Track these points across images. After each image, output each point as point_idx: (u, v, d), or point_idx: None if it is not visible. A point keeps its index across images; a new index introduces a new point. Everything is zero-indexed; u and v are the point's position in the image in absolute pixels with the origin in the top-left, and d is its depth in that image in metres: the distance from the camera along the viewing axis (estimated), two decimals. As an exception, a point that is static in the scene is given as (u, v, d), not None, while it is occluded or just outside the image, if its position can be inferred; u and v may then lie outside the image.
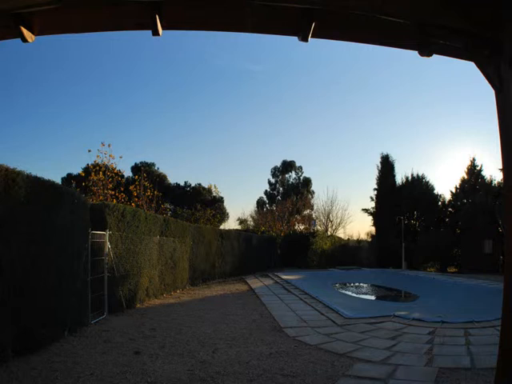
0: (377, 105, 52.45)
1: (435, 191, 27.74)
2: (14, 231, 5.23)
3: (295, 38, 3.60)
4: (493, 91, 3.45)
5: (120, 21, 3.47)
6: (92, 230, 7.87)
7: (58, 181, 25.18)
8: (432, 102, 48.67)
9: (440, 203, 27.59)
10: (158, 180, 29.49)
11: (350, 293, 15.81)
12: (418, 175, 28.18)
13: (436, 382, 4.43)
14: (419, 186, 27.52)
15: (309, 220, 35.69)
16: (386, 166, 28.53)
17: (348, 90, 53.04)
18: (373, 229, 30.36)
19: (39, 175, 5.98)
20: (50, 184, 6.38)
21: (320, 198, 59.22)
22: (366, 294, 16.26)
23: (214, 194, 41.39)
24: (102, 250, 8.38)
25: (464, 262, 23.89)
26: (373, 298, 15.25)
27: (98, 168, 16.23)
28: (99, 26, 3.55)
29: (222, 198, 41.76)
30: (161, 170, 41.43)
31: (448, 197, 27.23)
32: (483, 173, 25.56)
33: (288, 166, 49.91)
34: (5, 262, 4.99)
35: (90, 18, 3.43)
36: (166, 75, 51.17)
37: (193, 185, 42.63)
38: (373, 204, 29.22)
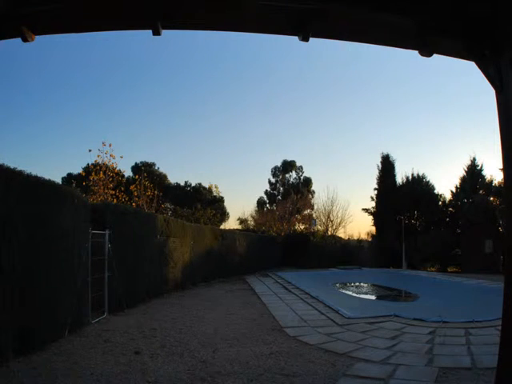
0: (377, 104, 52.43)
1: (435, 191, 27.79)
2: (14, 231, 5.23)
3: (294, 37, 3.60)
4: (493, 91, 3.45)
5: (121, 21, 3.48)
6: (92, 229, 7.87)
7: (59, 180, 25.16)
8: (432, 101, 48.68)
9: (440, 203, 27.59)
10: (159, 180, 29.50)
11: (350, 292, 15.79)
12: (418, 175, 28.19)
13: (436, 382, 4.43)
14: (419, 186, 27.52)
15: (309, 220, 35.62)
16: (387, 166, 28.54)
17: (348, 90, 53.07)
18: (373, 228, 30.36)
19: (39, 175, 6.00)
20: (50, 184, 6.38)
21: (320, 197, 58.72)
22: (366, 293, 16.24)
23: (215, 194, 41.40)
24: (103, 250, 8.38)
25: (464, 261, 23.87)
26: (373, 297, 15.23)
27: (98, 168, 16.24)
28: (100, 25, 3.56)
29: (222, 197, 41.77)
30: (161, 170, 41.49)
31: (448, 196, 27.27)
32: (483, 173, 25.60)
33: (288, 165, 49.84)
34: (5, 262, 5.00)
35: (91, 18, 3.44)
36: (165, 74, 51.16)
37: (193, 184, 42.58)
38: (373, 204, 29.23)
